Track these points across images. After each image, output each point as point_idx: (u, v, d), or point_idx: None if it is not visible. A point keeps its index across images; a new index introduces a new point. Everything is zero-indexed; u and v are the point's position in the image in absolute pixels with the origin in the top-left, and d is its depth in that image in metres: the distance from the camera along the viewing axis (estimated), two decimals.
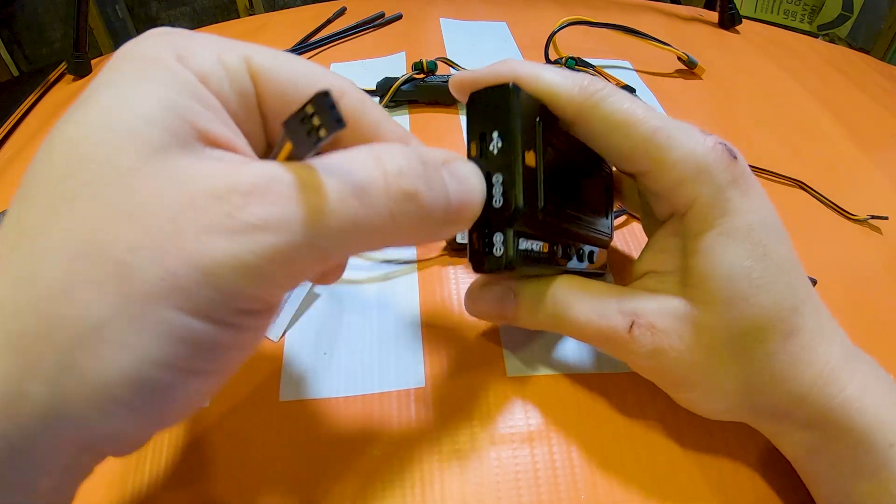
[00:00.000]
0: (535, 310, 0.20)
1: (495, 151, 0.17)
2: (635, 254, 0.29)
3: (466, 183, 0.16)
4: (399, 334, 0.25)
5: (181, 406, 0.13)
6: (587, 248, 0.23)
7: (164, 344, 0.12)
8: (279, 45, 0.48)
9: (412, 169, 0.14)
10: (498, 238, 0.17)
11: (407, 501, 0.20)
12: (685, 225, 0.19)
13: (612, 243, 0.28)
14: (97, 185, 0.12)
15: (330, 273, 0.20)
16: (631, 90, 0.41)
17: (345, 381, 0.24)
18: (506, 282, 0.21)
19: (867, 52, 0.80)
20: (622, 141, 0.18)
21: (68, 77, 0.51)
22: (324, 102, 0.12)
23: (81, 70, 0.51)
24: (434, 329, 0.25)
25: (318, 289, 0.27)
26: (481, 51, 0.47)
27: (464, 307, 0.22)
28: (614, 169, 0.25)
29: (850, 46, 0.99)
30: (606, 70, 0.44)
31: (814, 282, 0.26)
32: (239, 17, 1.55)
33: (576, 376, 0.23)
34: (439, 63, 0.41)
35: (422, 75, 0.40)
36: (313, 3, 0.59)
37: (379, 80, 0.40)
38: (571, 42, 0.47)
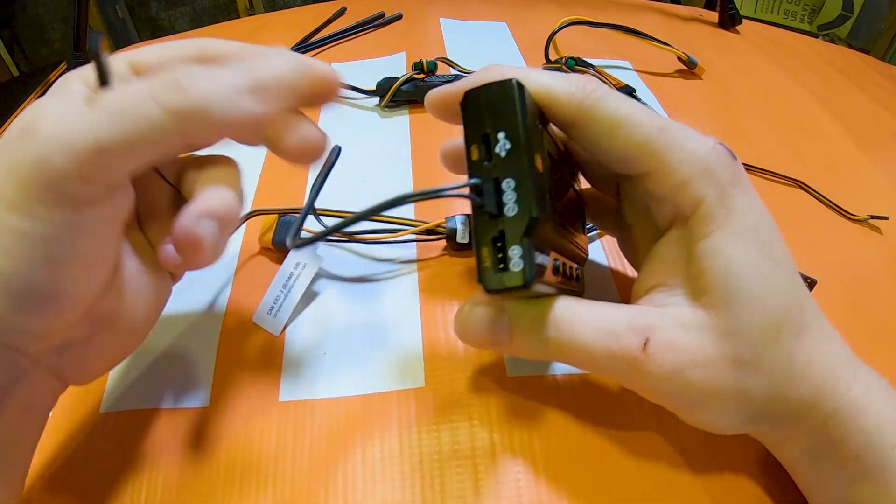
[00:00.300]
0: (533, 336, 0.18)
1: (503, 154, 0.16)
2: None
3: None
4: (399, 334, 0.25)
5: (49, 296, 0.15)
6: (575, 266, 0.21)
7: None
8: (279, 44, 0.48)
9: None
10: (515, 251, 0.15)
11: (407, 501, 0.20)
12: (690, 228, 0.18)
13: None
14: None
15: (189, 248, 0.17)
16: (631, 90, 0.41)
17: (345, 381, 0.24)
18: (498, 303, 0.18)
19: (867, 52, 0.80)
20: (625, 140, 0.18)
21: None
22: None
23: None
24: (434, 329, 0.25)
25: (319, 288, 0.27)
26: (481, 51, 0.47)
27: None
28: (585, 186, 0.24)
29: (850, 46, 0.99)
30: (606, 70, 0.44)
31: (814, 282, 0.26)
32: (239, 17, 1.55)
33: (577, 376, 0.23)
34: (439, 63, 0.41)
35: (422, 75, 0.40)
36: (313, 3, 0.59)
37: (379, 80, 0.40)
38: (571, 42, 0.47)
